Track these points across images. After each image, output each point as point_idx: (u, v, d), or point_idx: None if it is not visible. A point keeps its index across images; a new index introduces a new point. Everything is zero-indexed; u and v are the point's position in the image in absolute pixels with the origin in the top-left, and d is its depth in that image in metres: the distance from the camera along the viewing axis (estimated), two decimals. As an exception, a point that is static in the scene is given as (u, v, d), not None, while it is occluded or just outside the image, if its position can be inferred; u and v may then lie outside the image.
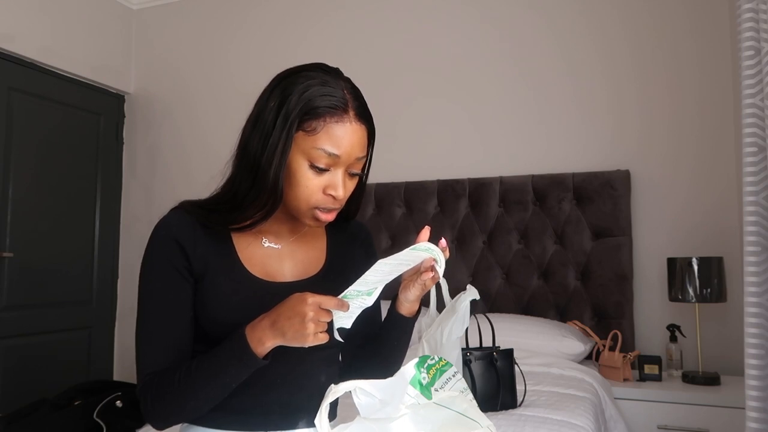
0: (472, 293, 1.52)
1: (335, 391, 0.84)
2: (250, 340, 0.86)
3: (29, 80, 3.12)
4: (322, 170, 0.93)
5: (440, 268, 0.93)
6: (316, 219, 0.96)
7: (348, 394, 0.87)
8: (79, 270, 3.36)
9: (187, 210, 1.00)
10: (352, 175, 0.97)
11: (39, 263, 3.12)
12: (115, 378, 3.45)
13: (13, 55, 3.02)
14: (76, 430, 1.55)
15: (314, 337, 0.82)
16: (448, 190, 2.89)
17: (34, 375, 3.04)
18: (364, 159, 0.98)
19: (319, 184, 0.94)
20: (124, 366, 3.50)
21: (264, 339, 0.85)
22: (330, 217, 0.97)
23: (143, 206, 3.61)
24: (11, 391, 2.91)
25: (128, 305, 3.53)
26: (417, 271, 0.96)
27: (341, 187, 0.94)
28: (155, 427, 0.96)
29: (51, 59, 3.20)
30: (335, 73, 0.97)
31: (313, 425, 1.00)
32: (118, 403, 1.61)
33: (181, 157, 3.56)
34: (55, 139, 3.25)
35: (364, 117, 0.95)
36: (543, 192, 2.72)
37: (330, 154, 0.91)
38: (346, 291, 0.88)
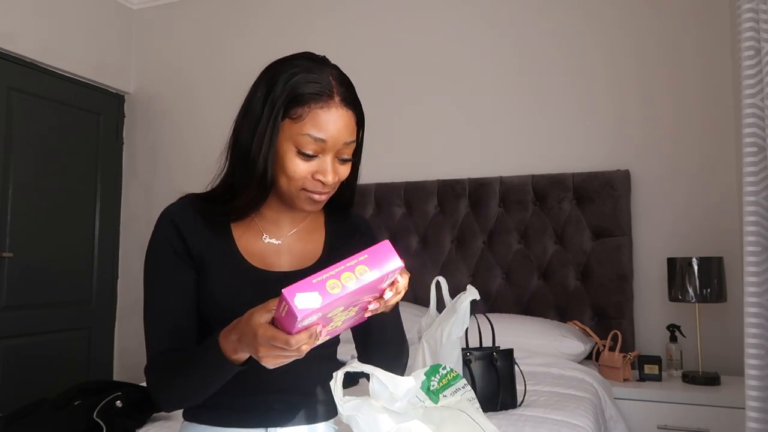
0: (472, 293, 1.53)
1: (354, 366, 0.87)
2: (224, 350, 0.84)
3: (29, 80, 3.12)
4: (310, 156, 0.94)
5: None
6: (311, 200, 0.97)
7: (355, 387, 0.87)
8: (79, 270, 3.36)
9: (190, 201, 1.03)
10: (343, 161, 0.98)
11: (39, 263, 3.12)
12: (115, 378, 3.45)
13: (12, 54, 3.02)
14: (76, 430, 1.54)
15: (273, 363, 0.79)
16: (448, 190, 2.89)
17: (34, 375, 3.04)
18: (354, 144, 0.98)
19: (308, 169, 0.94)
20: (124, 366, 3.49)
21: (237, 350, 0.84)
22: (323, 198, 0.98)
23: (143, 206, 3.60)
24: (11, 391, 2.91)
25: (128, 305, 3.53)
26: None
27: (330, 172, 0.95)
28: (163, 409, 0.99)
29: (51, 59, 3.20)
30: (321, 60, 0.98)
31: (311, 421, 1.02)
32: (118, 403, 1.61)
33: (181, 156, 3.56)
34: (55, 139, 3.25)
35: (351, 102, 0.96)
36: (543, 192, 2.72)
37: (316, 140, 0.92)
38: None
